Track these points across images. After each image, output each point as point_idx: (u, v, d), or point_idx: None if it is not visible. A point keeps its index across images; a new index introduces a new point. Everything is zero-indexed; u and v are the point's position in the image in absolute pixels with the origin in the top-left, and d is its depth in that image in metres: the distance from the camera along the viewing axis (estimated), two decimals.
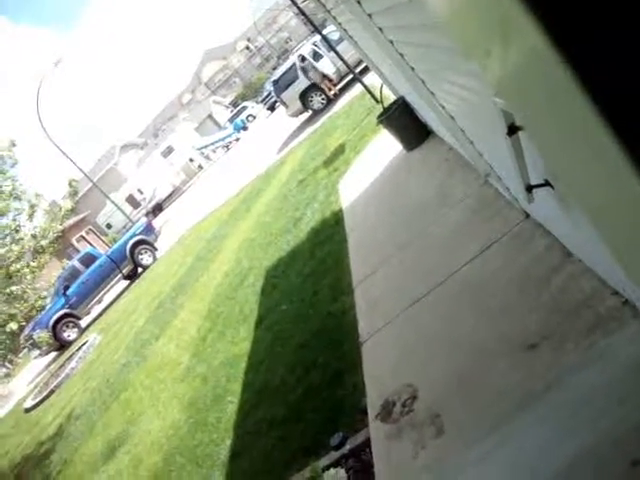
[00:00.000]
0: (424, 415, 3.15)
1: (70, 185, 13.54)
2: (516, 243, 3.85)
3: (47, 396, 14.57)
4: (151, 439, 6.60)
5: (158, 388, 7.94)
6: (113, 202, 33.17)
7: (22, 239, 10.59)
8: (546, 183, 2.35)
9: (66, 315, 19.51)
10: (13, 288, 9.70)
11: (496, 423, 2.72)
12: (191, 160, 44.74)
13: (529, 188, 2.42)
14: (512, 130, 1.99)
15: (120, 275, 20.94)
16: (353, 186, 8.26)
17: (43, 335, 15.53)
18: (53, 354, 20.06)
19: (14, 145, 10.70)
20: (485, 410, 2.86)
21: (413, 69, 4.26)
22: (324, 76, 18.15)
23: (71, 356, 16.49)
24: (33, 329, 17.94)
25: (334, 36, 15.81)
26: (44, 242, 10.94)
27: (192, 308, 10.17)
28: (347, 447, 3.56)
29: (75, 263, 20.83)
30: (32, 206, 10.87)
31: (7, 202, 10.32)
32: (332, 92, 18.42)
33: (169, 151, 46.01)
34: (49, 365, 19.66)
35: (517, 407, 2.69)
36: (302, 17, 16.86)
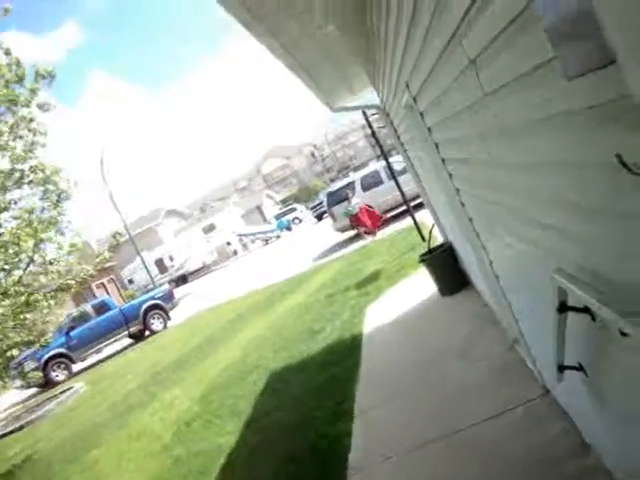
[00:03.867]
0: None
1: (114, 237, 13.84)
2: (530, 418, 3.75)
3: (14, 430, 14.15)
4: None
5: (129, 457, 7.67)
6: (143, 260, 33.62)
7: (52, 272, 10.74)
8: (580, 367, 2.33)
9: (61, 355, 19.35)
10: (27, 316, 9.73)
11: None
12: (228, 244, 45.40)
13: (561, 368, 2.39)
14: (562, 308, 2.00)
15: (126, 332, 20.87)
16: (380, 315, 8.24)
17: (34, 372, 15.36)
18: (35, 389, 19.72)
19: (76, 185, 11.14)
20: None
21: (471, 220, 4.35)
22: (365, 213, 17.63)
23: (52, 397, 16.16)
24: (25, 358, 17.76)
25: (397, 166, 16.30)
26: (71, 281, 11.07)
27: (187, 388, 9.98)
28: None
29: (88, 307, 20.91)
30: (73, 245, 11.10)
31: (50, 234, 10.59)
32: (364, 231, 17.74)
33: (210, 229, 47.03)
34: (27, 400, 19.24)
35: None
36: (372, 140, 17.28)
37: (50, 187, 10.64)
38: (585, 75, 0.98)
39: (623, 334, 1.39)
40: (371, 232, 17.45)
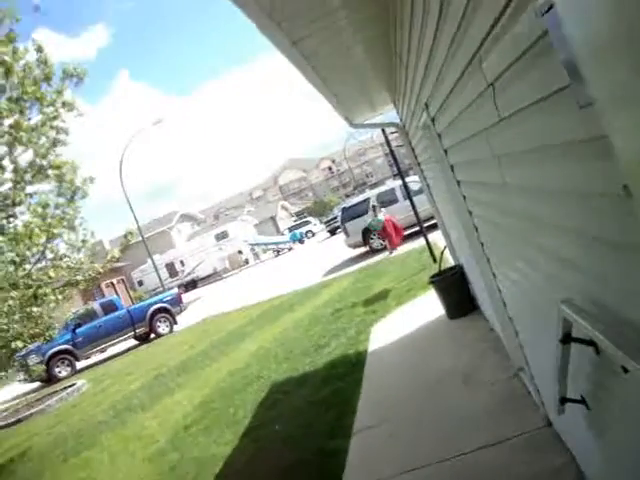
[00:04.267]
0: None
1: (125, 237, 13.88)
2: (530, 449, 3.70)
3: (12, 424, 14.17)
4: None
5: (124, 459, 7.64)
6: (153, 263, 33.72)
7: (62, 267, 10.80)
8: (582, 400, 2.30)
9: (66, 351, 19.42)
10: (34, 309, 9.78)
11: None
12: (240, 252, 45.54)
13: (563, 400, 2.36)
14: (567, 339, 1.98)
15: (132, 333, 20.92)
16: (386, 334, 8.20)
17: (38, 366, 15.37)
18: (37, 384, 19.78)
19: (92, 182, 11.22)
20: None
21: (483, 245, 4.33)
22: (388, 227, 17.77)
23: (53, 393, 16.18)
24: (30, 352, 17.79)
25: (414, 186, 16.27)
26: (80, 277, 11.13)
27: (188, 393, 9.96)
28: None
29: (96, 305, 21.01)
30: (84, 241, 11.17)
31: (62, 230, 10.67)
32: (389, 241, 17.83)
33: (223, 236, 47.09)
34: (28, 393, 19.27)
35: None
36: (390, 159, 17.31)
37: (65, 184, 10.73)
38: (595, 104, 0.97)
39: (625, 370, 1.37)
40: (393, 245, 17.47)
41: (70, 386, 16.10)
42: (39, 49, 10.27)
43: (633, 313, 1.42)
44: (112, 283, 38.99)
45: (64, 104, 10.76)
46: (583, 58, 0.89)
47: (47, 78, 10.44)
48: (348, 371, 7.22)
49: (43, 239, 10.33)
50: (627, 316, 1.47)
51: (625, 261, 1.33)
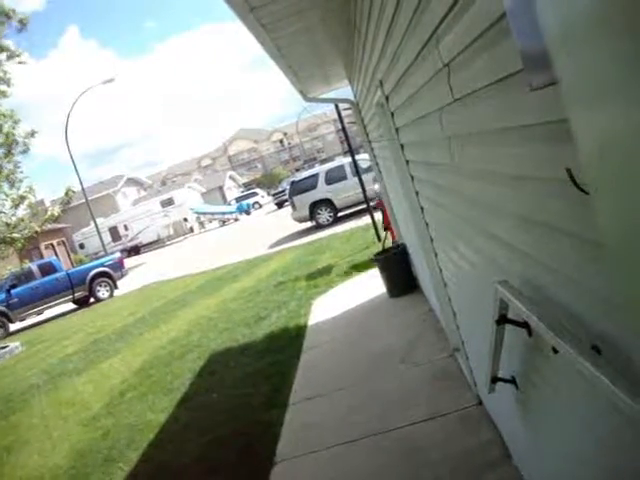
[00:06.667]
0: None
1: (66, 194, 13.44)
2: (461, 425, 3.82)
3: None
4: (24, 476, 6.13)
5: (55, 424, 7.51)
6: (96, 226, 32.89)
7: None
8: (512, 380, 2.37)
9: None
10: None
11: None
12: (185, 220, 44.94)
13: (494, 379, 2.43)
14: (501, 320, 2.02)
15: (71, 297, 20.44)
16: (326, 309, 8.26)
17: None
18: None
19: (33, 136, 10.76)
20: None
21: (427, 225, 4.38)
22: None
23: None
24: None
25: (363, 164, 16.32)
26: (16, 235, 10.74)
27: (125, 359, 9.83)
28: None
29: (33, 267, 20.39)
30: (22, 197, 10.75)
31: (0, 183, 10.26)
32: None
33: (169, 203, 46.25)
34: None
35: None
36: (342, 135, 17.21)
37: (2, 136, 10.27)
38: (546, 88, 0.98)
39: (555, 351, 1.41)
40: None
41: (2, 348, 15.65)
42: None
43: (565, 297, 1.46)
44: (52, 245, 37.96)
45: (1, 49, 10.24)
46: (554, 42, 0.88)
47: None
48: (287, 344, 7.26)
49: None
50: (560, 299, 1.51)
51: (562, 246, 1.36)
